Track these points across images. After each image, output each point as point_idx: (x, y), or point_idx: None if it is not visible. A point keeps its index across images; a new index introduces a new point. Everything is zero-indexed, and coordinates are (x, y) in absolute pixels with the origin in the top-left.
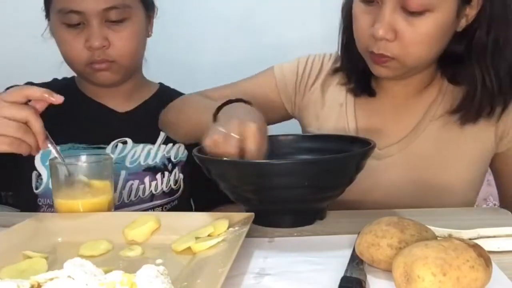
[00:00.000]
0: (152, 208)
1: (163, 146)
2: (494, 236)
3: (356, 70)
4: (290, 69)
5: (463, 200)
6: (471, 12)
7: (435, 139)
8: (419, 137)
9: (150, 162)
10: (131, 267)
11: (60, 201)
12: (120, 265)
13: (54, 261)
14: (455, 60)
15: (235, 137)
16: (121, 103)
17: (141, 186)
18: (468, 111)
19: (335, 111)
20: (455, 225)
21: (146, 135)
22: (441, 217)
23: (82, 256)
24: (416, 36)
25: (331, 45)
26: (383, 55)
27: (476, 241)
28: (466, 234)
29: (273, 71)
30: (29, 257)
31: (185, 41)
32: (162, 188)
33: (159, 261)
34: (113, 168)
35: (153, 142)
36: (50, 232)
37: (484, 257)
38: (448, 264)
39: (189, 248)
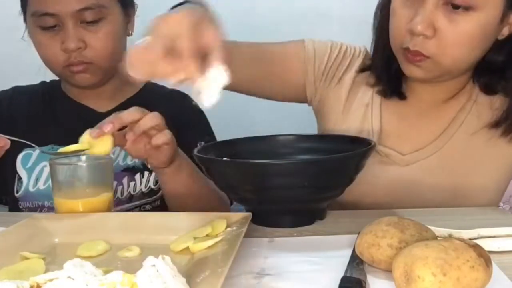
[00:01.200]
0: (131, 210)
1: None
2: (494, 236)
3: (388, 71)
4: (322, 49)
5: (487, 202)
6: None
7: (463, 146)
8: (446, 144)
9: (128, 162)
10: (129, 267)
11: (60, 201)
12: (118, 266)
13: (52, 262)
14: (492, 69)
15: (156, 40)
16: (103, 103)
17: (119, 187)
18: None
19: (359, 112)
20: (455, 225)
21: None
22: (441, 217)
23: (80, 257)
24: (456, 35)
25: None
26: (418, 53)
27: (476, 241)
28: (466, 234)
29: (303, 46)
30: (27, 258)
31: None
32: (141, 189)
33: None
34: (113, 168)
35: None
36: (48, 232)
37: (484, 257)
38: (448, 264)
39: (187, 248)
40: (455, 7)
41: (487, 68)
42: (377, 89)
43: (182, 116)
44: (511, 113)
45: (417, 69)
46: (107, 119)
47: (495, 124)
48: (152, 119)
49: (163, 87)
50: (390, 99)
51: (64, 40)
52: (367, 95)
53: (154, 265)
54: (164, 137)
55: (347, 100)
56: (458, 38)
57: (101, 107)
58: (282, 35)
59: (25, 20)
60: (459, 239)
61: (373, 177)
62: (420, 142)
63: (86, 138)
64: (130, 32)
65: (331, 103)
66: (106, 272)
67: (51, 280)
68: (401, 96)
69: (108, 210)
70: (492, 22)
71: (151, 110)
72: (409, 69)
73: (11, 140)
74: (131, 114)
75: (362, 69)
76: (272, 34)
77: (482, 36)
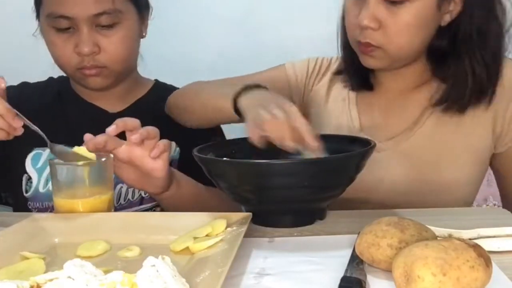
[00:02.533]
0: (142, 212)
1: None
2: (494, 236)
3: (354, 65)
4: (301, 67)
5: (461, 196)
6: (456, 7)
7: (431, 135)
8: (416, 132)
9: None
10: (129, 267)
11: (60, 201)
12: (118, 266)
13: (52, 262)
14: (441, 55)
15: (284, 120)
16: (114, 103)
17: (130, 190)
18: (459, 100)
19: (338, 106)
20: (455, 225)
21: None
22: (441, 217)
23: (80, 257)
24: (397, 25)
25: (332, 45)
26: (369, 44)
27: (476, 241)
28: (466, 234)
29: (285, 68)
30: (27, 258)
31: (184, 39)
32: None
33: None
34: (113, 168)
35: None
36: (48, 232)
37: (484, 257)
38: (448, 264)
39: (187, 248)
40: (392, 2)
41: (436, 54)
42: (348, 84)
43: None
44: (455, 91)
45: (371, 59)
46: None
47: (439, 102)
48: (153, 128)
49: (172, 86)
50: (361, 91)
51: (78, 43)
52: (344, 92)
53: (154, 265)
54: (163, 144)
55: (325, 99)
56: (400, 27)
57: (112, 108)
58: (281, 35)
59: (37, 17)
60: (459, 239)
61: None
62: (392, 131)
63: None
64: (144, 34)
65: (313, 103)
66: (106, 272)
67: (51, 280)
68: (368, 87)
69: (108, 210)
70: (429, 11)
71: (160, 109)
72: (365, 60)
73: (27, 132)
74: (132, 120)
75: (337, 71)
76: (272, 34)
77: (421, 24)
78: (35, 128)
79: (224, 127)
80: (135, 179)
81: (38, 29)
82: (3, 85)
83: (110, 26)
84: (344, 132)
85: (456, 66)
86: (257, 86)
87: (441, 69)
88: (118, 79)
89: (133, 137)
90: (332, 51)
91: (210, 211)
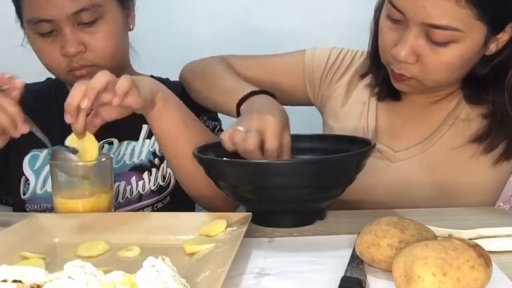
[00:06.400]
0: (142, 209)
1: (147, 141)
2: (494, 236)
3: (381, 75)
4: (321, 56)
5: (480, 201)
6: (503, 36)
7: (451, 145)
8: (436, 143)
9: (135, 160)
10: (130, 267)
11: (60, 201)
12: (118, 266)
13: (52, 262)
14: (476, 81)
15: (253, 134)
16: None
17: (128, 187)
18: (496, 136)
19: (357, 109)
20: (455, 225)
21: (129, 132)
22: (441, 217)
23: (80, 257)
24: (439, 64)
25: (331, 45)
26: (402, 75)
27: (476, 241)
28: (466, 234)
29: (304, 55)
30: (27, 258)
31: (183, 38)
32: (150, 187)
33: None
34: (113, 167)
35: (136, 138)
36: (48, 232)
37: (484, 257)
38: (448, 264)
39: (187, 248)
40: (435, 42)
41: (472, 79)
42: (374, 92)
43: (184, 100)
44: (491, 132)
45: (404, 86)
46: (74, 93)
47: (477, 140)
48: (104, 73)
49: (167, 79)
50: (385, 101)
51: (63, 45)
52: (365, 94)
53: (154, 266)
54: (124, 81)
55: (344, 100)
56: (441, 66)
57: None
58: (282, 35)
59: (22, 26)
60: (459, 239)
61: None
62: (410, 141)
63: (71, 141)
64: (132, 26)
65: (331, 100)
66: (106, 272)
67: (51, 280)
68: (396, 97)
69: (108, 210)
70: (474, 49)
71: None
72: (397, 85)
73: (25, 136)
74: (100, 78)
75: (362, 72)
76: (272, 34)
77: (464, 62)
78: (40, 134)
79: (224, 127)
80: (116, 110)
81: (24, 38)
82: (18, 85)
83: (92, 23)
84: (359, 135)
85: (496, 93)
86: (265, 92)
87: (479, 95)
88: None
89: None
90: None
91: (195, 139)
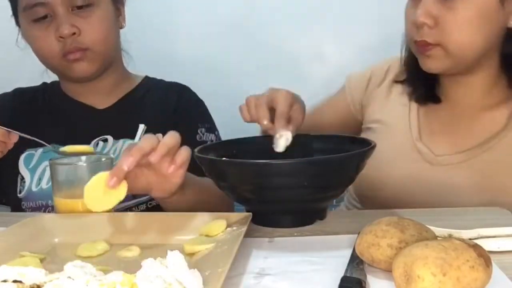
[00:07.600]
0: (136, 206)
1: None
2: (494, 236)
3: (419, 77)
4: (361, 78)
5: None
6: None
7: (502, 154)
8: (484, 152)
9: None
10: (129, 267)
11: (60, 201)
12: (118, 266)
13: (52, 262)
14: None
15: (265, 96)
16: (101, 99)
17: None
18: None
19: (398, 111)
20: (455, 225)
21: (126, 130)
22: (441, 217)
23: (80, 257)
24: (455, 20)
25: (332, 45)
26: (425, 42)
27: (476, 241)
28: (466, 234)
29: (345, 91)
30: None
31: (182, 39)
32: None
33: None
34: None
35: (133, 137)
36: (48, 232)
37: (484, 257)
38: (448, 264)
39: (187, 248)
40: None
41: (509, 61)
42: (413, 97)
43: (182, 106)
44: None
45: (429, 60)
46: (124, 155)
47: None
48: (173, 136)
49: (161, 80)
50: (426, 104)
51: (57, 27)
52: (404, 97)
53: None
54: (185, 152)
55: (384, 102)
56: (458, 22)
57: (100, 104)
58: (281, 35)
59: (17, 23)
60: (459, 239)
61: (397, 169)
62: (455, 147)
63: (97, 181)
64: (123, 24)
65: (373, 103)
66: (106, 272)
67: (51, 280)
68: (436, 99)
69: (108, 210)
70: (490, 5)
71: (150, 102)
72: (424, 62)
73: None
74: (148, 140)
75: (399, 78)
76: (272, 34)
77: (482, 20)
78: (29, 137)
79: (223, 127)
80: (148, 182)
81: (19, 35)
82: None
83: (86, 7)
84: (400, 139)
85: None
86: None
87: None
88: (102, 66)
89: (152, 158)
90: (333, 51)
91: (210, 211)
